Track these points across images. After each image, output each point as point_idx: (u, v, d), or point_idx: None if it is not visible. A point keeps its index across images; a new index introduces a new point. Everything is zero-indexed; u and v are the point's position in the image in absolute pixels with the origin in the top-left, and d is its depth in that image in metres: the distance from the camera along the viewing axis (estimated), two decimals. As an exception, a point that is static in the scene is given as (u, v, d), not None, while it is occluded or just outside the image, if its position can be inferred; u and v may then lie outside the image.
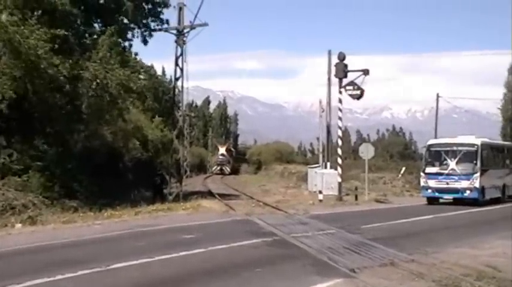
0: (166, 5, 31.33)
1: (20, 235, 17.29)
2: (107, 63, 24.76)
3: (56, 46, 22.57)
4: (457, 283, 9.73)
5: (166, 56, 42.03)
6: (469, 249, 13.94)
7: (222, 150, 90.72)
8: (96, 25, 27.98)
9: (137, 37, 30.94)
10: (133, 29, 30.46)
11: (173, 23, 32.36)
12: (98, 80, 23.90)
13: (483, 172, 30.41)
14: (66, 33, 23.08)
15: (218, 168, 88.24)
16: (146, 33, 31.35)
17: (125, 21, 29.42)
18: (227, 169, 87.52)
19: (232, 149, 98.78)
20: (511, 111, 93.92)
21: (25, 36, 21.32)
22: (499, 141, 45.53)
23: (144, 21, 30.95)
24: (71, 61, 23.76)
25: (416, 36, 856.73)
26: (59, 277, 10.37)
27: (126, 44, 30.20)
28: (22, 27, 21.51)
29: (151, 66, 42.13)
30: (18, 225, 18.97)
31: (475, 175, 30.06)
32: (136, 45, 32.45)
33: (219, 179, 67.24)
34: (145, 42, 31.57)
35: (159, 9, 31.21)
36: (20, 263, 12.56)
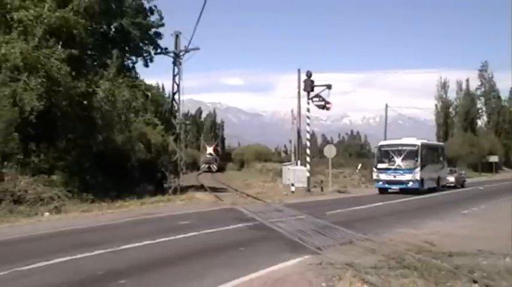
0: (160, 37, 31.55)
1: (47, 221, 17.30)
2: (116, 82, 24.71)
3: (74, 71, 22.55)
4: (401, 256, 9.81)
5: (166, 75, 41.98)
6: (411, 229, 14.10)
7: (210, 149, 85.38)
8: (108, 49, 27.79)
9: (137, 62, 31.10)
10: (136, 54, 30.51)
11: (171, 46, 32.54)
12: (109, 97, 23.83)
13: (422, 166, 30.85)
14: (77, 52, 22.96)
15: (206, 166, 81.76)
16: (148, 58, 31.49)
17: (129, 47, 29.49)
18: (214, 167, 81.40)
19: (219, 149, 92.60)
20: (442, 118, 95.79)
21: (47, 57, 21.26)
22: (434, 142, 46.12)
23: (145, 48, 31.01)
24: (87, 79, 23.70)
25: (369, 57, 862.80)
26: (79, 255, 10.37)
27: (132, 64, 30.27)
28: (45, 51, 21.43)
29: (154, 87, 41.88)
30: (46, 214, 19.00)
31: (416, 169, 30.49)
32: (142, 66, 32.62)
33: (209, 176, 65.73)
34: (146, 65, 31.77)
35: (155, 39, 31.37)
36: (48, 244, 12.58)
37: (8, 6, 22.84)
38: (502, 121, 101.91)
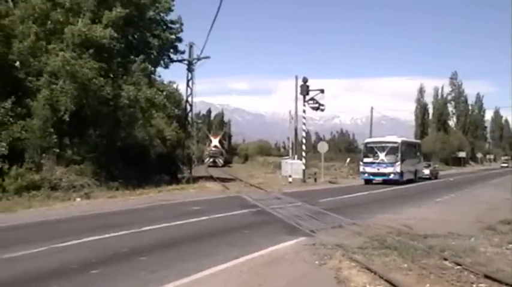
0: (180, 41, 31.41)
1: (78, 206, 17.41)
2: (138, 85, 24.73)
3: (103, 73, 22.64)
4: (384, 238, 9.84)
5: (180, 79, 41.90)
6: (392, 215, 14.09)
7: (215, 141, 68.73)
8: (131, 57, 27.69)
9: (161, 65, 30.97)
10: (159, 60, 30.41)
11: (185, 54, 32.47)
12: (132, 97, 23.85)
13: (402, 161, 30.82)
14: (106, 66, 23.08)
15: (211, 160, 65.65)
16: (168, 61, 31.40)
17: (152, 54, 29.33)
18: (220, 161, 65.92)
19: (225, 141, 75.53)
20: (420, 119, 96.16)
21: (80, 66, 21.34)
22: (412, 139, 46.13)
23: (166, 52, 30.90)
24: (113, 83, 23.74)
25: (356, 65, 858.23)
26: (106, 235, 10.43)
27: (152, 68, 30.02)
28: (79, 61, 21.51)
29: (171, 85, 41.42)
30: (78, 199, 19.10)
31: (397, 163, 30.47)
32: (160, 70, 32.45)
33: (217, 168, 62.06)
34: (166, 66, 31.68)
35: (176, 44, 31.23)
36: (80, 225, 12.64)
37: (49, 21, 22.95)
38: (468, 122, 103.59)
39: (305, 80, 33.12)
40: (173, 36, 30.52)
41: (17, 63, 22.03)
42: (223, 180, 34.93)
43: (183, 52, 31.83)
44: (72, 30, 21.94)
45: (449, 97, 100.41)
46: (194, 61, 32.25)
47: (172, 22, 30.02)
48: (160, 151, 32.58)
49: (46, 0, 22.97)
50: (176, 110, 33.89)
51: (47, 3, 22.96)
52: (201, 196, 21.78)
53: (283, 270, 7.47)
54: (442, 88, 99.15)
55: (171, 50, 31.16)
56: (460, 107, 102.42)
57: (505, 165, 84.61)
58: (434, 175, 41.22)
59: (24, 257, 8.34)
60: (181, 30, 30.81)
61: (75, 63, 21.16)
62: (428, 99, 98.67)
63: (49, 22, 22.96)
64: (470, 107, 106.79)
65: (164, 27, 29.82)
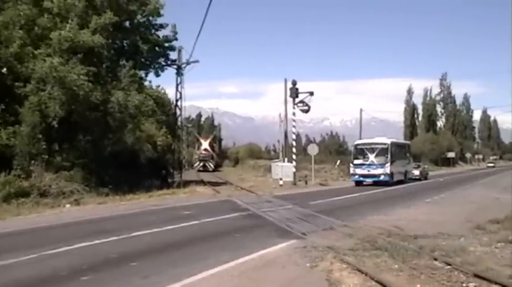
0: (174, 49, 31.23)
1: (68, 212, 17.28)
2: (127, 91, 24.62)
3: (91, 78, 22.52)
4: (374, 239, 9.89)
5: (170, 84, 41.55)
6: (382, 216, 14.17)
7: (205, 144, 65.10)
8: (121, 62, 27.49)
9: (151, 71, 30.75)
10: (149, 65, 30.21)
11: (174, 58, 32.32)
12: (121, 103, 23.74)
13: (392, 162, 30.98)
14: (95, 69, 22.96)
15: (201, 164, 62.26)
16: (158, 68, 31.17)
17: (142, 59, 29.15)
18: (211, 165, 62.53)
19: (215, 145, 72.29)
20: (409, 120, 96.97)
21: (68, 72, 21.21)
22: (402, 140, 46.39)
23: (157, 60, 30.72)
24: (102, 89, 23.62)
25: (346, 68, 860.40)
26: (97, 241, 10.37)
27: (143, 74, 29.84)
28: (67, 66, 21.39)
29: (161, 92, 41.03)
30: (67, 205, 18.94)
31: (387, 165, 30.62)
32: (152, 77, 31.99)
33: (208, 172, 60.45)
34: (157, 75, 31.37)
35: (168, 52, 31.03)
36: (70, 231, 12.55)
37: (36, 27, 22.81)
38: (457, 123, 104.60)
39: (294, 83, 33.21)
40: (166, 44, 30.39)
41: (4, 70, 21.85)
42: (214, 184, 34.81)
43: (174, 60, 31.78)
44: (58, 36, 21.82)
45: (437, 98, 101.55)
46: (183, 65, 32.20)
47: (161, 26, 29.89)
48: (150, 155, 32.43)
49: (33, 5, 22.86)
50: (164, 117, 33.76)
51: (33, 8, 22.85)
52: (192, 200, 21.69)
53: (274, 273, 7.48)
54: (431, 89, 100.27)
55: (163, 59, 31.01)
56: (448, 107, 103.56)
57: (491, 165, 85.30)
58: (424, 176, 41.49)
59: (14, 265, 8.27)
60: (176, 39, 30.68)
61: (63, 69, 21.05)
62: (418, 100, 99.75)
63: (36, 28, 22.84)
64: (458, 108, 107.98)
65: (153, 30, 29.66)
